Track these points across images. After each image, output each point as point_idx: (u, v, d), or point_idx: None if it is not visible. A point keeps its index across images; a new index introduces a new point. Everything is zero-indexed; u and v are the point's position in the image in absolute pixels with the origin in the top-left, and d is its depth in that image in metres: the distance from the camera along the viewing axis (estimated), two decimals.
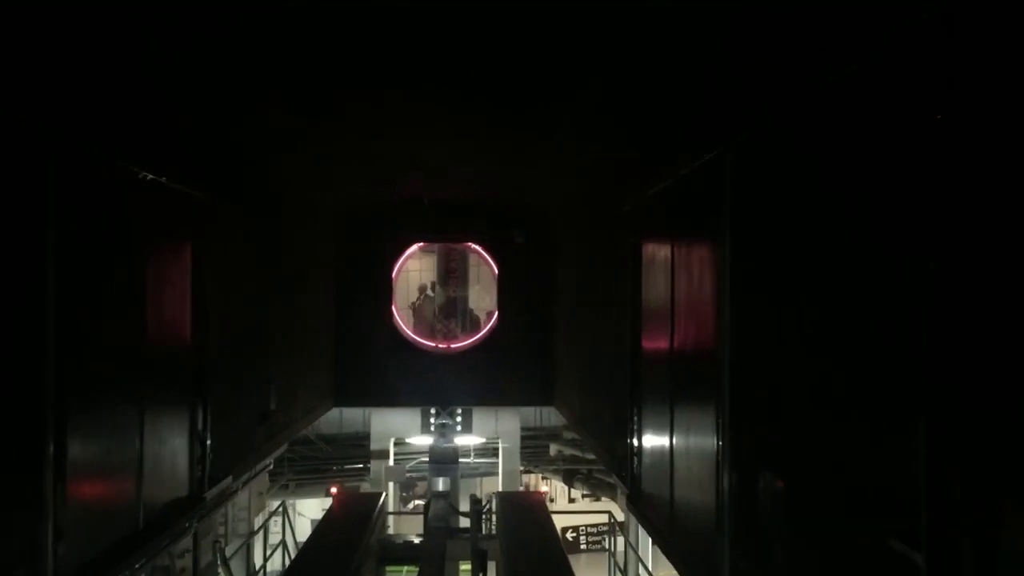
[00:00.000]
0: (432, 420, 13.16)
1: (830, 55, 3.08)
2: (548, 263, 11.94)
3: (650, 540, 7.33)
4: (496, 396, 12.54)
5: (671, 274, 5.46)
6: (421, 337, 13.23)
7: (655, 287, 5.97)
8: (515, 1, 3.59)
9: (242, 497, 11.14)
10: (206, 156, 6.35)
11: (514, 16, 3.79)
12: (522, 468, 15.64)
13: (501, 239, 12.11)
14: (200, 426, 6.14)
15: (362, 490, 15.12)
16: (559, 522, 11.24)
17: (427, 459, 13.24)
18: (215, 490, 6.49)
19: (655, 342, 6.01)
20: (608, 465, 8.50)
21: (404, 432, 13.79)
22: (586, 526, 19.03)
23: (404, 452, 15.08)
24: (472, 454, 16.09)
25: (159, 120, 5.28)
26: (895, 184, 2.67)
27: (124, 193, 4.78)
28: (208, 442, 6.26)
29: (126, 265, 4.86)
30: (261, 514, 12.56)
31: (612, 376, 7.51)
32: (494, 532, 10.73)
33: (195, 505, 6.04)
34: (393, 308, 12.44)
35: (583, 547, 18.71)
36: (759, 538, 3.88)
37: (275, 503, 12.75)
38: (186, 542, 7.07)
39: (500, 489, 13.72)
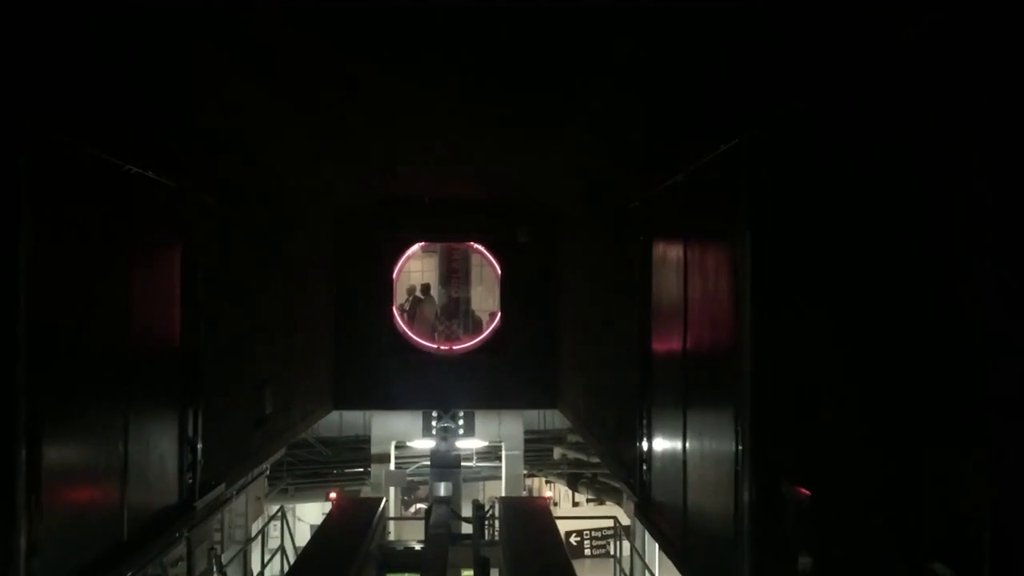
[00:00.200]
0: (434, 423, 12.93)
1: (874, 22, 2.78)
2: (552, 262, 11.72)
3: (656, 545, 7.08)
4: (499, 399, 12.32)
5: (684, 272, 5.21)
6: (422, 338, 13.01)
7: (666, 285, 5.72)
8: None
9: (239, 502, 10.92)
10: (196, 151, 6.10)
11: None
12: (525, 472, 15.38)
13: (504, 238, 11.88)
14: (191, 431, 5.88)
15: (362, 495, 14.89)
16: (563, 526, 10.99)
17: (428, 463, 13.00)
18: (207, 498, 6.23)
19: (666, 343, 5.75)
20: (615, 471, 8.24)
21: (405, 435, 13.55)
22: (590, 530, 18.77)
23: (405, 456, 14.85)
24: (475, 458, 15.85)
25: (144, 112, 5.03)
26: (945, 172, 2.41)
27: (106, 187, 4.53)
28: (199, 447, 6.00)
29: (109, 263, 4.60)
30: (260, 519, 12.36)
31: (619, 379, 7.26)
32: (497, 538, 10.49)
33: (185, 514, 5.78)
34: (394, 309, 12.22)
35: (587, 552, 18.43)
36: (781, 552, 3.62)
37: (274, 507, 12.53)
38: (179, 550, 6.83)
39: (503, 493, 13.47)
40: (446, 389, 12.07)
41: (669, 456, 5.62)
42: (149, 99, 5.02)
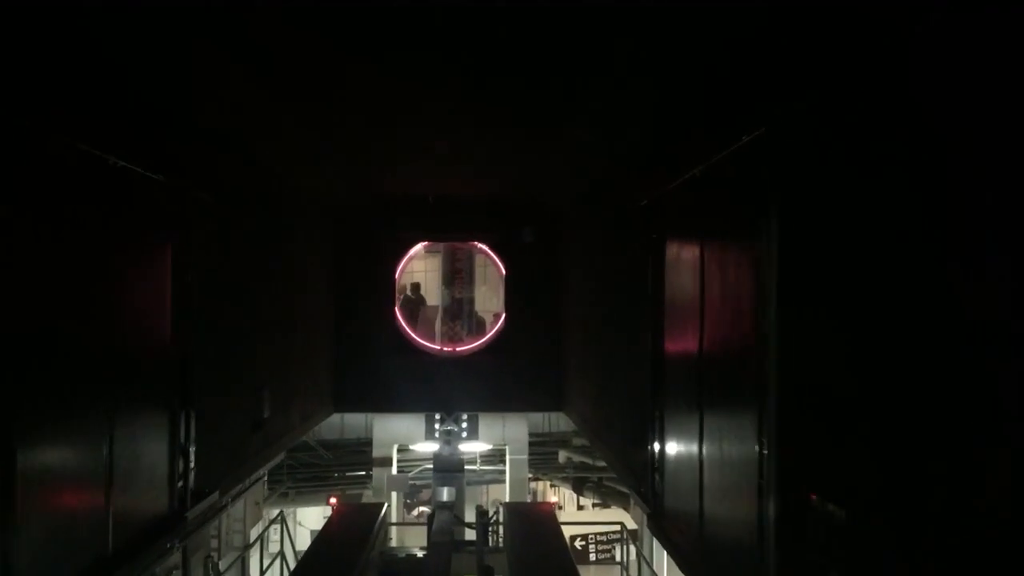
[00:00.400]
0: (437, 426, 12.68)
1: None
2: (558, 262, 11.47)
3: (664, 552, 6.83)
4: (503, 401, 12.08)
5: (699, 271, 4.94)
6: (425, 340, 12.76)
7: (681, 284, 5.45)
8: None
9: (237, 507, 10.68)
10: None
11: None
12: (530, 476, 15.12)
13: (508, 238, 11.63)
14: (183, 437, 5.62)
15: (364, 499, 14.65)
16: (567, 531, 10.73)
17: (431, 467, 12.74)
18: (201, 506, 5.97)
19: (681, 344, 5.48)
20: (623, 477, 7.97)
21: (408, 438, 13.30)
22: (595, 535, 18.47)
23: (408, 459, 14.60)
24: (478, 461, 15.60)
25: (132, 104, 4.80)
26: (996, 167, 2.15)
27: (90, 181, 4.27)
28: (192, 453, 5.75)
29: (92, 261, 4.32)
30: (259, 524, 12.11)
31: (629, 382, 6.99)
32: (501, 545, 10.24)
33: (177, 523, 5.52)
34: (396, 309, 11.97)
35: (592, 557, 18.13)
36: (810, 572, 3.35)
37: (274, 512, 12.29)
38: (174, 559, 6.57)
39: (507, 498, 13.21)
40: (449, 391, 11.84)
41: (684, 464, 5.35)
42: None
